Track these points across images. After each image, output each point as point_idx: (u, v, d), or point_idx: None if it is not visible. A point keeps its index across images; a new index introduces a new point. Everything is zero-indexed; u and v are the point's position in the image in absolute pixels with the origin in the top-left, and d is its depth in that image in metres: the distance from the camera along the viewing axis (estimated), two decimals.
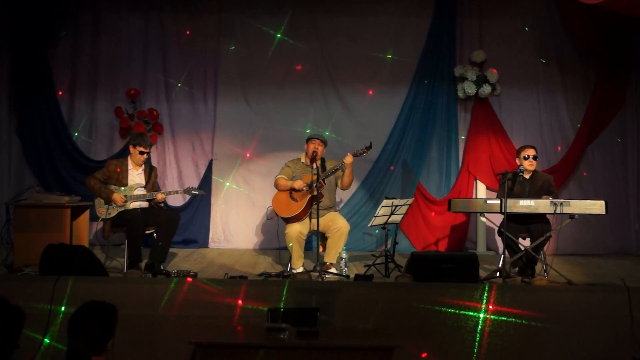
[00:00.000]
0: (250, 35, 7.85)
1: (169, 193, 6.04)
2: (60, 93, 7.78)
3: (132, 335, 3.82)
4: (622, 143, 7.88)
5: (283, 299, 4.10)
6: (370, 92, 7.87)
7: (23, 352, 2.68)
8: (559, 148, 7.83)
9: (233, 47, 7.84)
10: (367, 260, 6.30)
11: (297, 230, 5.62)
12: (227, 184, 7.84)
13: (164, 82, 7.86)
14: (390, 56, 7.85)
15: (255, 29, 7.85)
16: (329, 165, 5.93)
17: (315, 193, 5.47)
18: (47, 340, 3.90)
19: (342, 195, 7.50)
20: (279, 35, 7.86)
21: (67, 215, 5.57)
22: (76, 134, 7.81)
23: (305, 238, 5.72)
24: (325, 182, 5.74)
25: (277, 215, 5.83)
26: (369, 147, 5.84)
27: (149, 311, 4.06)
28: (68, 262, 4.41)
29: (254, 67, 7.85)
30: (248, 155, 7.85)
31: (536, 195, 5.83)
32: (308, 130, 7.48)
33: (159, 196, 5.75)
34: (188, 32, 7.85)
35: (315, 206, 5.44)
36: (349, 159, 5.70)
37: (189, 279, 4.38)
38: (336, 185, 5.97)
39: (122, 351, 3.06)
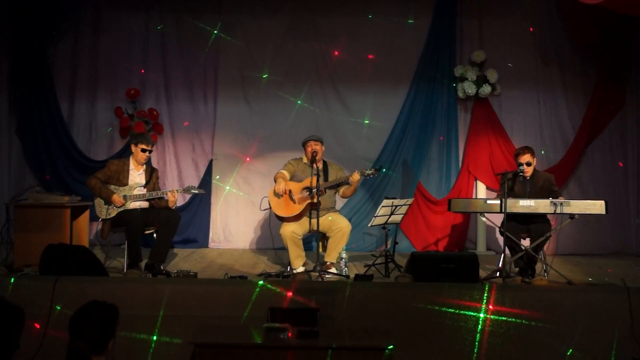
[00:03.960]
0: (250, 35, 7.86)
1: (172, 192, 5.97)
2: (60, 93, 7.77)
3: (132, 335, 3.82)
4: (622, 143, 7.88)
5: (283, 299, 4.09)
6: (370, 92, 7.87)
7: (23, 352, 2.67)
8: (559, 148, 7.82)
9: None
10: (367, 260, 6.30)
11: (289, 230, 5.61)
12: (227, 187, 7.83)
13: (164, 82, 7.86)
14: (390, 56, 7.85)
15: (255, 29, 7.85)
16: (331, 170, 5.91)
17: (315, 200, 5.46)
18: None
19: None
20: (279, 36, 7.86)
21: (67, 215, 5.57)
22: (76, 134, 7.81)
23: (300, 237, 5.69)
24: (326, 191, 5.73)
25: (270, 208, 5.79)
26: (378, 170, 5.82)
27: (149, 311, 4.06)
28: (68, 262, 4.40)
29: (254, 67, 7.85)
30: (248, 155, 7.84)
31: (537, 195, 5.82)
32: (308, 131, 7.46)
33: (171, 198, 5.70)
34: (188, 32, 7.85)
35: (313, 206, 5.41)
36: (356, 176, 5.67)
37: (189, 279, 4.38)
38: (336, 191, 5.95)
39: (123, 351, 3.06)
